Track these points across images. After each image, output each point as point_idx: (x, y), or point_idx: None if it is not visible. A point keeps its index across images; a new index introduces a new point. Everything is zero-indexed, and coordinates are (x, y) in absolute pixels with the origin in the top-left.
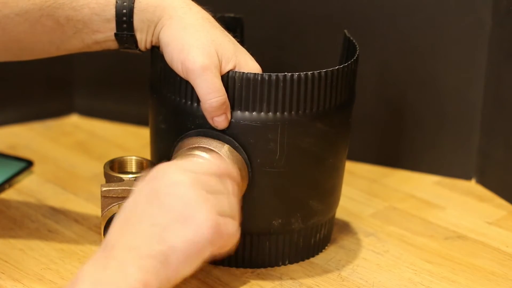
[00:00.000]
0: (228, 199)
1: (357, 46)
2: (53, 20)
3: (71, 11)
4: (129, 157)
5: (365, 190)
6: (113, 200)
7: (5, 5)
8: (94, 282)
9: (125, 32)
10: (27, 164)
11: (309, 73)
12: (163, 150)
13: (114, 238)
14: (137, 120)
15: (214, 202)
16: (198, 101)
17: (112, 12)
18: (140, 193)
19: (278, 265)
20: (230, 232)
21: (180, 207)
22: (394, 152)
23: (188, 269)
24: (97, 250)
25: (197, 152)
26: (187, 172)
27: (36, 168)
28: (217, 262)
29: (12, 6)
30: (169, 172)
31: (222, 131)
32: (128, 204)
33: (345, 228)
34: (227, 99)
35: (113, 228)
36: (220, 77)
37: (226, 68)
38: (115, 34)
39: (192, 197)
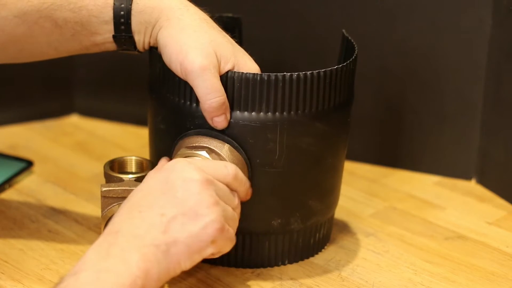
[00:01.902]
0: (233, 212)
1: (355, 46)
2: (51, 22)
3: (69, 13)
4: (129, 157)
5: (365, 190)
6: (113, 200)
7: (4, 6)
8: (97, 270)
9: (123, 34)
10: (27, 164)
11: (308, 73)
12: (163, 151)
13: (120, 222)
14: (137, 120)
15: (223, 207)
16: (197, 101)
17: (110, 14)
18: (154, 182)
19: (278, 265)
20: (230, 238)
21: (193, 203)
22: (394, 152)
23: (188, 264)
24: (101, 234)
25: (198, 151)
26: (202, 172)
27: (36, 168)
28: (217, 262)
29: (10, 8)
30: (187, 168)
31: (221, 131)
32: (139, 190)
33: (345, 228)
34: (226, 99)
35: (120, 212)
36: (219, 77)
37: (225, 68)
38: (113, 36)
39: (206, 196)
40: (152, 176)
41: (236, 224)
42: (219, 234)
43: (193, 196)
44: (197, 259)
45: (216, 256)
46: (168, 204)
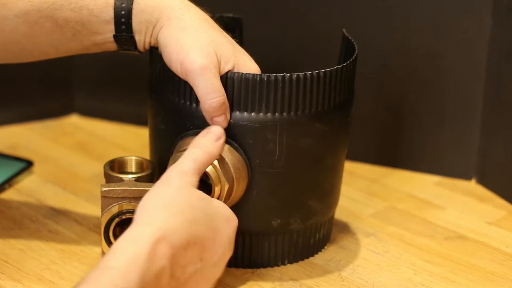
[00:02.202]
0: None
1: (355, 46)
2: (51, 21)
3: (69, 12)
4: (129, 157)
5: (365, 190)
6: (113, 200)
7: (4, 6)
8: None
9: (124, 34)
10: (27, 164)
11: (308, 73)
12: (163, 150)
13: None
14: (137, 120)
15: None
16: (197, 101)
17: (110, 13)
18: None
19: (278, 265)
20: None
21: (221, 253)
22: (394, 152)
23: None
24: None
25: None
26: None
27: (36, 168)
28: None
29: (11, 8)
30: (224, 207)
31: None
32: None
33: (345, 228)
34: (226, 99)
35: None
36: (219, 77)
37: (225, 68)
38: (114, 36)
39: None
40: (151, 190)
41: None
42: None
43: (224, 247)
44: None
45: None
46: (163, 217)
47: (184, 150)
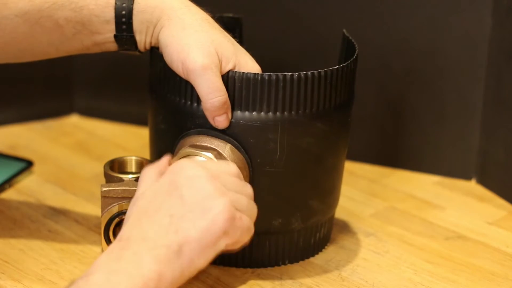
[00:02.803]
0: (248, 200)
1: (356, 46)
2: (52, 21)
3: (70, 12)
4: (129, 157)
5: (365, 190)
6: (113, 200)
7: (5, 6)
8: (109, 272)
9: (125, 34)
10: (27, 164)
11: (309, 73)
12: (163, 150)
13: (130, 229)
14: (137, 120)
15: (232, 197)
16: (198, 101)
17: (111, 13)
18: (159, 186)
19: (278, 265)
20: (245, 227)
21: (199, 198)
22: (394, 152)
23: (202, 261)
24: (113, 242)
25: (204, 152)
26: (206, 168)
27: (36, 168)
28: (217, 262)
29: (11, 7)
30: (189, 166)
31: (222, 131)
32: (143, 196)
33: (345, 228)
34: (228, 98)
35: (128, 220)
36: (220, 77)
37: (226, 68)
38: (115, 36)
39: (211, 189)
40: (157, 181)
41: (253, 212)
42: (229, 224)
43: (198, 192)
44: (211, 254)
45: (236, 248)
46: (176, 204)
47: (186, 148)
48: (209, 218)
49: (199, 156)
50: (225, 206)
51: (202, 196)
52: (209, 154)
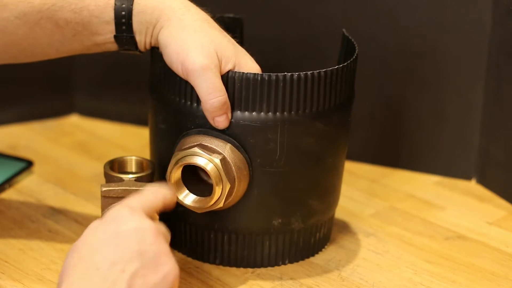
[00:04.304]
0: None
1: (355, 46)
2: (52, 22)
3: (70, 13)
4: (129, 157)
5: (365, 190)
6: (113, 200)
7: (5, 7)
8: None
9: (124, 34)
10: (27, 164)
11: (309, 73)
12: (163, 150)
13: (77, 282)
14: (137, 120)
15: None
16: (198, 101)
17: (111, 14)
18: (103, 235)
19: (278, 265)
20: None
21: (151, 254)
22: (394, 152)
23: None
24: None
25: (198, 150)
26: (148, 220)
27: (36, 168)
28: (217, 262)
29: (11, 9)
30: (133, 217)
31: (222, 131)
32: (86, 244)
33: (345, 228)
34: (227, 98)
35: (73, 269)
36: (220, 77)
37: (226, 68)
38: (115, 36)
39: (161, 245)
40: (97, 227)
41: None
42: (177, 279)
43: (150, 248)
44: None
45: None
46: (126, 258)
47: (186, 148)
48: (161, 274)
49: (199, 156)
50: (174, 262)
51: (153, 252)
52: (207, 155)
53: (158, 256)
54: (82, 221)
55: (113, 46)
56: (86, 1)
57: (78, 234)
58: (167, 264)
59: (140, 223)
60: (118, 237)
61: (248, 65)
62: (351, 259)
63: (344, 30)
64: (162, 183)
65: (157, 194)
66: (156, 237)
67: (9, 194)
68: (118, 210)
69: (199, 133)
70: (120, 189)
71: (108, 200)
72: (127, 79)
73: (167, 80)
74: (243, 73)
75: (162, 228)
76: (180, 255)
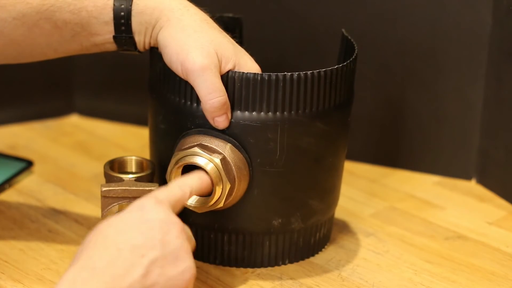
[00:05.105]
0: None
1: (355, 45)
2: (51, 23)
3: (68, 14)
4: (129, 157)
5: (365, 190)
6: (113, 200)
7: (3, 8)
8: None
9: (124, 35)
10: (27, 164)
11: (309, 72)
12: (163, 150)
13: (96, 258)
14: (137, 120)
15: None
16: (198, 101)
17: (110, 15)
18: (129, 219)
19: (278, 265)
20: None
21: (173, 247)
22: (394, 152)
23: None
24: (72, 264)
25: (198, 150)
26: (174, 215)
27: (36, 168)
28: (217, 261)
29: (9, 10)
30: (161, 210)
31: (222, 131)
32: (112, 224)
33: (345, 228)
34: (227, 98)
35: (94, 245)
36: (220, 77)
37: (226, 68)
38: (114, 37)
39: (184, 241)
40: (122, 214)
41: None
42: (193, 279)
43: (173, 240)
44: None
45: None
46: (148, 245)
47: (186, 148)
48: (179, 269)
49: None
50: (193, 262)
51: (176, 245)
52: (207, 155)
53: (180, 251)
54: (82, 221)
55: (112, 47)
56: (84, 2)
57: (78, 234)
58: (187, 261)
59: (167, 216)
60: (144, 223)
61: (248, 65)
62: (351, 259)
63: (343, 30)
64: (190, 176)
65: (184, 189)
66: (180, 232)
67: (9, 194)
68: (146, 200)
69: (199, 133)
70: (120, 189)
71: (108, 200)
72: (127, 79)
73: (167, 80)
74: (243, 73)
75: (187, 229)
76: None
